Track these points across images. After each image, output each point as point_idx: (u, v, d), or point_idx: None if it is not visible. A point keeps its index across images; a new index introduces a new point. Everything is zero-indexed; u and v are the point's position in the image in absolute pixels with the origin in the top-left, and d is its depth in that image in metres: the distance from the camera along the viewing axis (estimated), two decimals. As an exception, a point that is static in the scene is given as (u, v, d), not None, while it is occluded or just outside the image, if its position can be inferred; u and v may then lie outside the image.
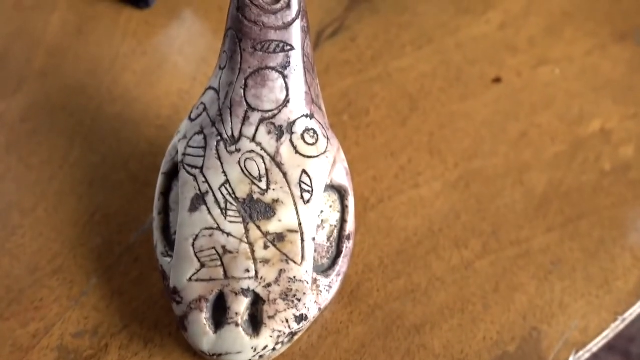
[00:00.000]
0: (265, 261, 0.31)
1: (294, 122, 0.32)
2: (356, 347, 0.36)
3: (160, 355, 0.35)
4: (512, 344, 0.36)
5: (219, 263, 0.31)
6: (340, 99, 0.46)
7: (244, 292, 0.31)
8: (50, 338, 0.35)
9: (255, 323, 0.32)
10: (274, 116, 0.32)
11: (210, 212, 0.32)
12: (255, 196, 0.32)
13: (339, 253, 0.34)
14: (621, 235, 0.40)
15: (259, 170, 0.32)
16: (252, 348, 0.32)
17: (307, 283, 0.32)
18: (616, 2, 0.52)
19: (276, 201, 0.32)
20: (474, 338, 0.36)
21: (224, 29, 0.49)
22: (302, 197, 0.32)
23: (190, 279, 0.32)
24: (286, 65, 0.32)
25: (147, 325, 0.36)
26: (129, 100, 0.45)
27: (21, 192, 0.40)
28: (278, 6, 0.31)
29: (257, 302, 0.32)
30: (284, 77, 0.32)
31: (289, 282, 0.32)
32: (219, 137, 0.32)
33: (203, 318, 0.32)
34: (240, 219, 0.31)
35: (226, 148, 0.32)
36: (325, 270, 0.34)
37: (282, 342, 0.32)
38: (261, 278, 0.31)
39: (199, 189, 0.32)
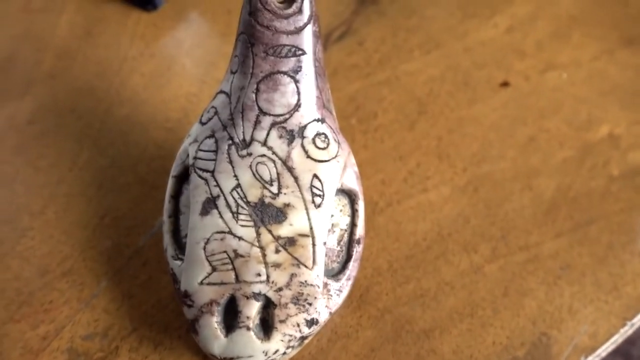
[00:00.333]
0: (277, 265, 0.31)
1: (305, 127, 0.32)
2: (365, 351, 0.36)
3: (170, 358, 0.35)
4: (521, 349, 0.36)
5: (230, 267, 0.31)
6: (348, 102, 0.46)
7: (255, 296, 0.31)
8: (60, 340, 0.35)
9: (266, 327, 0.32)
10: (286, 120, 0.32)
11: (221, 216, 0.32)
12: (267, 200, 0.32)
13: (349, 257, 0.34)
14: (630, 241, 0.40)
15: (270, 175, 0.32)
16: (263, 352, 0.32)
17: (318, 287, 0.32)
18: (624, 7, 0.52)
19: (287, 205, 0.32)
20: (483, 343, 0.36)
21: (231, 32, 0.49)
22: (313, 202, 0.32)
23: (201, 283, 0.32)
24: (298, 69, 0.32)
25: (157, 328, 0.36)
26: (138, 102, 0.45)
27: (30, 194, 0.40)
28: (290, 11, 0.31)
29: (268, 306, 0.32)
30: (296, 81, 0.32)
31: (300, 286, 0.32)
32: (231, 141, 0.32)
33: (214, 322, 0.32)
34: (251, 223, 0.31)
35: (237, 152, 0.32)
36: (335, 274, 0.34)
37: (293, 346, 0.32)
38: (272, 282, 0.31)
39: (210, 193, 0.32)
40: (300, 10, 0.31)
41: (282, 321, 0.32)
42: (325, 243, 0.32)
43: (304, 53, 0.32)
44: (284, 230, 0.32)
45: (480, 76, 0.48)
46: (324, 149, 0.32)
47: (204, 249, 0.32)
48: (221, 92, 0.33)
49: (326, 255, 0.33)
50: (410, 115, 0.45)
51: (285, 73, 0.32)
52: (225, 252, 0.31)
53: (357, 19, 0.51)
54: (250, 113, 0.32)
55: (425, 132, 0.44)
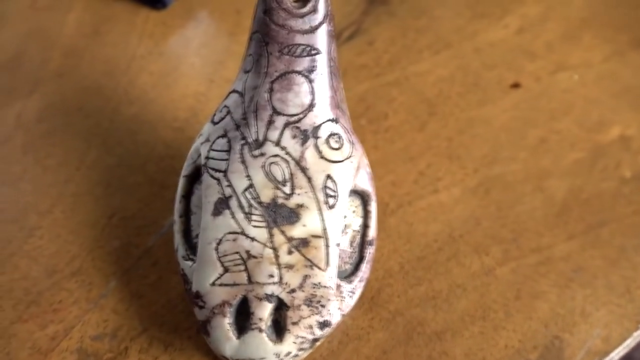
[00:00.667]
0: (290, 266, 0.31)
1: (319, 127, 0.32)
2: (377, 353, 0.35)
3: (181, 359, 0.34)
4: (534, 353, 0.36)
5: (243, 268, 0.31)
6: (358, 103, 0.45)
7: (268, 297, 0.31)
8: (69, 341, 0.35)
9: (279, 329, 0.32)
10: (299, 120, 0.32)
11: (234, 216, 0.31)
12: (280, 201, 0.31)
13: (361, 259, 0.34)
14: (642, 244, 0.40)
15: (284, 175, 0.31)
16: (275, 354, 0.31)
17: (332, 289, 0.32)
18: (634, 9, 0.52)
19: (300, 206, 0.31)
20: (495, 346, 0.36)
21: (240, 32, 0.49)
22: (326, 202, 0.32)
23: (213, 284, 0.31)
24: (312, 69, 0.31)
25: (167, 329, 0.35)
26: (146, 102, 0.44)
27: (38, 193, 0.40)
28: (305, 10, 0.31)
29: (281, 307, 0.31)
30: (310, 81, 0.31)
31: (313, 287, 0.31)
32: (243, 141, 0.32)
33: (226, 323, 0.31)
34: (264, 224, 0.31)
35: (250, 152, 0.32)
36: (348, 276, 0.33)
37: (305, 349, 0.32)
38: (285, 283, 0.31)
39: (223, 193, 0.32)
40: (315, 9, 0.31)
41: (294, 323, 0.31)
42: (338, 244, 0.32)
43: (318, 52, 0.31)
44: (297, 231, 0.31)
45: (490, 77, 0.47)
46: (337, 149, 0.32)
47: (216, 249, 0.31)
48: (234, 91, 0.33)
49: (339, 256, 0.33)
50: (420, 116, 0.45)
51: (299, 72, 0.31)
52: (237, 252, 0.31)
53: (366, 19, 0.50)
54: (263, 113, 0.32)
55: (436, 133, 0.44)
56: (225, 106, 0.33)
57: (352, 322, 0.36)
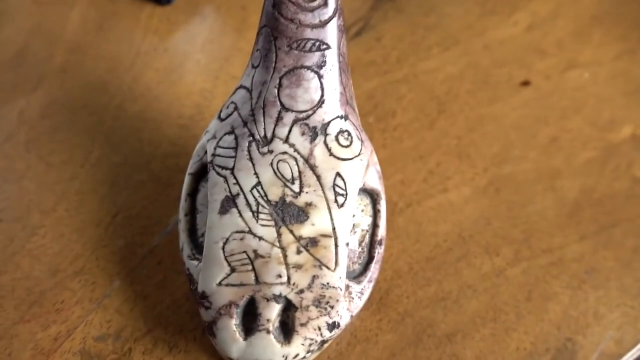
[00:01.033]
0: (298, 266, 0.30)
1: (328, 124, 0.31)
2: (386, 355, 0.34)
3: (185, 361, 0.34)
4: (546, 355, 0.35)
5: (250, 268, 0.30)
6: (366, 100, 0.45)
7: (276, 298, 0.30)
8: (72, 341, 0.34)
9: (287, 330, 0.31)
10: (308, 117, 0.31)
11: (241, 215, 0.31)
12: (288, 199, 0.31)
13: (370, 259, 0.33)
14: (656, 244, 0.39)
15: (292, 173, 0.31)
16: (283, 356, 0.31)
17: (340, 290, 0.31)
18: (646, 6, 0.51)
19: (309, 205, 0.31)
20: (506, 348, 0.35)
21: (246, 28, 0.48)
22: (336, 201, 0.31)
23: (220, 284, 0.31)
24: (322, 64, 0.31)
25: (172, 330, 0.35)
26: (151, 98, 0.44)
27: (41, 191, 0.39)
28: (315, 4, 0.30)
29: (289, 308, 0.31)
30: (320, 76, 0.31)
31: (322, 288, 0.30)
32: (251, 138, 0.31)
33: (233, 324, 0.31)
34: (272, 223, 0.30)
35: (258, 149, 0.31)
36: (356, 276, 0.33)
37: (313, 350, 0.31)
38: (293, 284, 0.30)
39: (230, 191, 0.31)
40: (325, 3, 0.30)
41: (303, 324, 0.30)
42: (347, 244, 0.31)
43: (328, 47, 0.31)
44: (306, 230, 0.30)
45: (500, 75, 0.47)
46: (347, 146, 0.31)
47: (223, 248, 0.31)
48: (241, 87, 0.32)
49: (348, 256, 0.32)
50: (429, 114, 0.44)
51: (309, 68, 0.31)
52: (244, 252, 0.30)
53: (374, 15, 0.50)
54: (272, 109, 0.31)
55: (445, 131, 0.43)
56: (232, 102, 0.33)
57: (361, 323, 0.35)
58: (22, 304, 0.35)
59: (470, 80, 0.46)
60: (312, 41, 0.30)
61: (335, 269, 0.31)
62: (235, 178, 0.31)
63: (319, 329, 0.31)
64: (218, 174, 0.31)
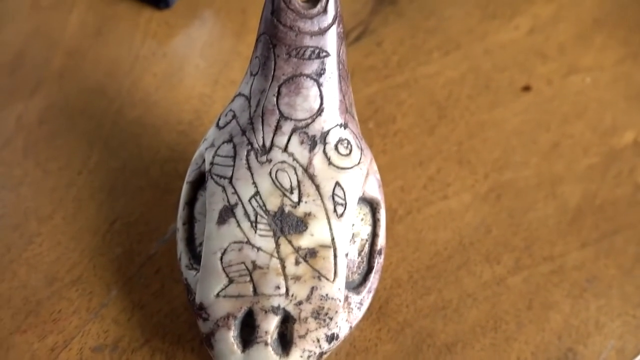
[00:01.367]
0: (297, 278, 0.30)
1: (327, 132, 0.31)
2: (385, 365, 0.34)
3: (183, 371, 0.34)
4: (547, 365, 0.35)
5: (249, 279, 0.30)
6: (366, 105, 0.44)
7: (274, 309, 0.30)
8: (69, 352, 0.34)
9: (285, 342, 0.31)
10: (307, 125, 0.31)
11: (239, 225, 0.30)
12: (287, 209, 0.30)
13: (370, 269, 0.33)
14: (658, 252, 0.39)
15: (291, 182, 0.30)
16: (281, 368, 0.30)
17: (340, 301, 0.30)
18: (648, 10, 0.51)
19: (308, 215, 0.30)
20: (507, 358, 0.35)
21: (246, 32, 0.48)
22: (335, 211, 0.30)
23: (217, 295, 0.30)
24: (321, 72, 0.30)
25: (169, 340, 0.34)
26: (150, 104, 0.43)
27: (39, 198, 0.39)
28: (314, 11, 0.30)
29: (287, 320, 0.30)
30: (319, 84, 0.30)
31: (321, 299, 0.30)
32: (250, 147, 0.31)
33: (231, 336, 0.30)
34: (270, 233, 0.30)
35: (257, 158, 0.31)
36: (356, 286, 0.32)
37: (311, 362, 0.31)
38: (292, 295, 0.30)
39: (228, 201, 0.31)
40: (325, 10, 0.30)
41: (301, 336, 0.30)
42: (347, 254, 0.31)
43: (327, 55, 0.30)
44: (305, 241, 0.30)
45: (501, 79, 0.46)
46: (346, 155, 0.31)
47: (221, 259, 0.30)
48: (240, 94, 0.32)
49: (347, 266, 0.32)
50: (430, 119, 0.44)
51: (308, 76, 0.30)
52: (243, 263, 0.30)
53: (375, 19, 0.49)
54: (270, 117, 0.31)
55: (446, 137, 0.43)
56: (230, 110, 0.32)
57: (360, 333, 0.35)
58: (18, 313, 0.35)
59: (471, 85, 0.46)
60: (312, 49, 0.30)
61: (334, 280, 0.30)
62: (233, 187, 0.31)
63: (318, 340, 0.30)
64: (216, 183, 0.31)
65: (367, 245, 0.33)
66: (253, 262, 0.30)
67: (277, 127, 0.31)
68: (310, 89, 0.30)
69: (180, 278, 0.33)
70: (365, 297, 0.32)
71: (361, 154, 0.32)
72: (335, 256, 0.30)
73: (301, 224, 0.30)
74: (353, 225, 0.32)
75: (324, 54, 0.30)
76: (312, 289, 0.30)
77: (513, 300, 0.37)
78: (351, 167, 0.31)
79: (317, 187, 0.30)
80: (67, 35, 0.47)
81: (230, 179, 0.31)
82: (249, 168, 0.31)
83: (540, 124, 0.44)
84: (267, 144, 0.31)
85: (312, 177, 0.30)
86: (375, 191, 0.33)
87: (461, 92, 0.45)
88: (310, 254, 0.30)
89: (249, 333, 0.30)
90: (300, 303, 0.30)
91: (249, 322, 0.30)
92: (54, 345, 0.34)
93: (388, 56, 0.47)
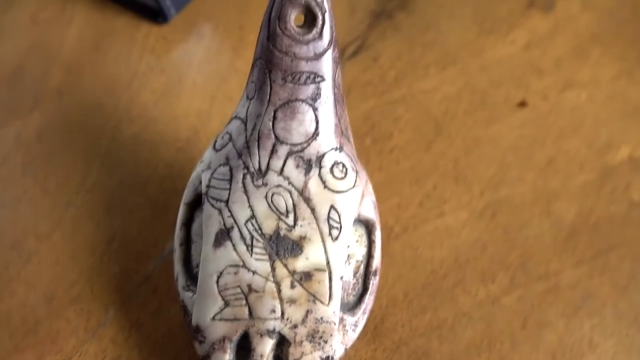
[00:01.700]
0: (292, 301, 0.30)
1: (322, 156, 0.31)
2: (381, 385, 0.35)
3: (180, 392, 0.34)
4: (541, 385, 0.35)
5: (244, 302, 0.30)
6: (362, 121, 0.45)
7: (269, 333, 0.30)
8: (66, 372, 0.34)
9: (280, 364, 0.31)
10: (303, 149, 0.31)
11: (235, 248, 0.31)
12: (282, 232, 0.31)
13: (365, 290, 0.33)
14: (652, 270, 0.39)
15: (286, 206, 0.31)
16: (277, 391, 0.31)
17: (334, 324, 0.31)
18: (644, 25, 0.51)
19: (303, 238, 0.31)
20: (501, 377, 0.35)
21: (244, 46, 0.48)
22: (330, 234, 0.31)
23: (213, 318, 0.31)
24: (316, 97, 0.31)
25: (167, 360, 0.35)
26: (147, 120, 0.44)
27: (37, 216, 0.39)
28: (310, 36, 0.30)
29: (283, 343, 0.31)
30: (314, 109, 0.31)
31: (316, 323, 0.30)
32: (246, 170, 0.31)
33: (226, 359, 0.31)
34: (266, 256, 0.30)
35: (253, 181, 0.31)
36: (351, 308, 0.33)
37: (307, 384, 0.31)
38: (287, 319, 0.30)
39: (224, 224, 0.31)
40: (320, 36, 0.30)
41: (296, 359, 0.30)
42: (342, 277, 0.31)
43: (323, 79, 0.31)
44: (300, 264, 0.30)
45: (497, 95, 0.46)
46: (341, 178, 0.31)
47: (217, 282, 0.31)
48: (236, 117, 0.32)
49: (342, 288, 0.32)
50: (426, 136, 0.44)
51: (303, 100, 0.31)
52: (238, 286, 0.30)
53: (372, 33, 0.50)
54: (266, 141, 0.31)
55: (442, 153, 0.43)
56: (227, 132, 0.33)
57: (355, 353, 0.35)
58: (16, 333, 0.35)
59: (468, 100, 0.46)
60: (307, 74, 0.30)
61: (329, 303, 0.31)
62: (229, 210, 0.31)
63: (313, 363, 0.31)
64: (212, 205, 0.31)
65: (362, 267, 0.33)
66: (249, 285, 0.30)
67: (273, 151, 0.31)
68: (305, 114, 0.31)
69: (177, 298, 0.33)
70: (360, 318, 0.33)
71: (356, 176, 0.32)
72: (330, 279, 0.31)
73: (296, 247, 0.30)
74: (348, 246, 0.32)
75: (319, 78, 0.31)
76: (307, 312, 0.30)
77: (508, 319, 0.37)
78: (346, 190, 0.31)
79: (313, 211, 0.31)
80: (66, 50, 0.47)
81: (227, 202, 0.31)
82: (245, 191, 0.31)
83: (536, 139, 0.44)
84: (263, 167, 0.31)
85: (307, 201, 0.31)
86: (370, 212, 0.33)
87: (458, 108, 0.46)
88: (305, 277, 0.30)
89: (244, 356, 0.31)
90: (295, 326, 0.30)
91: (245, 345, 0.31)
92: (52, 365, 0.34)
93: (385, 71, 0.48)
